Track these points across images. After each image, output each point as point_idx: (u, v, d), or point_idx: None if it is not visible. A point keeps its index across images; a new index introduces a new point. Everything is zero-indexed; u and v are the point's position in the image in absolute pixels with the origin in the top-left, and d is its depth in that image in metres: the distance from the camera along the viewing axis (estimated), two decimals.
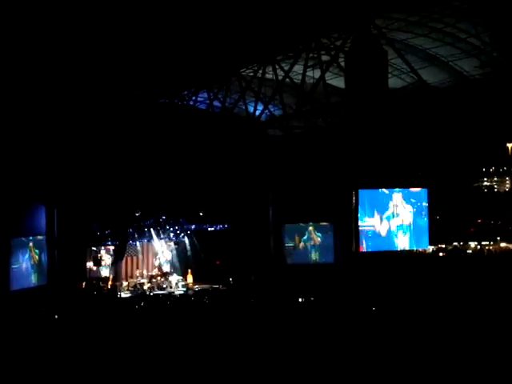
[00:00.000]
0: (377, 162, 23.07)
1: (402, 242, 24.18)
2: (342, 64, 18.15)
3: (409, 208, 24.17)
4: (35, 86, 20.01)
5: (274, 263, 26.07)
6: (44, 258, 23.13)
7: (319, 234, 25.91)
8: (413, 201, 24.23)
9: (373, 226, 23.93)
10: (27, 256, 22.46)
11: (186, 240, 28.86)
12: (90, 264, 26.08)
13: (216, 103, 23.12)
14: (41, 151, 21.85)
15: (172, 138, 23.88)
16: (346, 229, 24.44)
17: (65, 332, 12.96)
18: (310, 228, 25.94)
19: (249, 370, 7.95)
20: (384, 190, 24.05)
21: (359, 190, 23.78)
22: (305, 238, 26.02)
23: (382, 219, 23.99)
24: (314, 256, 25.98)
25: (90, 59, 18.79)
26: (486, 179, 41.07)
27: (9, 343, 10.90)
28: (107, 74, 20.20)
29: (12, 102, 20.13)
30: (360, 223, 23.87)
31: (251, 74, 21.07)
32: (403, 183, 24.35)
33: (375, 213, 23.95)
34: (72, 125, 22.03)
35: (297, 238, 26.11)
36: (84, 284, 24.60)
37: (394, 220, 24.11)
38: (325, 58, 18.68)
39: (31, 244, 22.69)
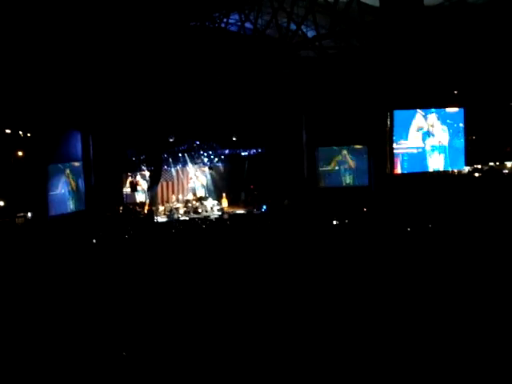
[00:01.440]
0: (412, 82, 22.62)
1: (438, 163, 24.01)
2: None
3: (444, 128, 23.87)
4: (66, 15, 19.93)
5: (307, 187, 26.10)
6: (81, 183, 23.50)
7: (353, 157, 25.76)
8: (449, 121, 23.90)
9: (408, 148, 23.75)
10: (64, 182, 22.82)
11: (220, 165, 29.05)
12: (126, 189, 26.46)
13: (247, 25, 22.72)
14: (76, 78, 21.88)
15: (204, 62, 23.65)
16: (380, 151, 24.26)
17: (104, 255, 13.26)
18: (344, 151, 25.79)
19: (282, 292, 8.04)
20: (419, 110, 23.73)
21: (394, 111, 23.49)
22: (339, 161, 25.90)
23: (416, 140, 23.77)
24: (348, 179, 25.91)
25: None
26: None
27: (48, 264, 11.18)
28: None
29: (45, 29, 20.07)
30: (394, 145, 23.70)
31: None
32: (439, 103, 23.95)
33: (410, 134, 23.71)
34: (106, 50, 21.92)
35: (331, 162, 26.02)
36: (121, 209, 25.00)
37: (430, 141, 23.87)
38: None
39: (68, 170, 23.02)
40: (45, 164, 21.91)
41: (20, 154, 22.16)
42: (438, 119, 23.79)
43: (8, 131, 21.89)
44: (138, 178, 26.98)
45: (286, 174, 26.41)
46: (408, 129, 23.65)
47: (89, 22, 20.61)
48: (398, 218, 16.75)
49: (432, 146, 23.87)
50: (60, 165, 22.75)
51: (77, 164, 23.42)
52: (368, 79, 23.14)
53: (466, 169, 24.66)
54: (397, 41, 19.95)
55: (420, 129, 23.73)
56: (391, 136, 23.51)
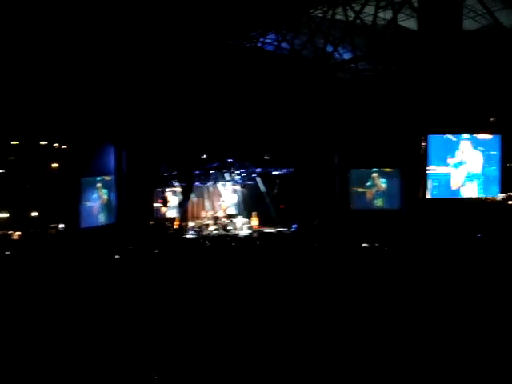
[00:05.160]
0: (447, 107, 22.46)
1: (470, 190, 23.71)
2: (415, 5, 17.62)
3: (478, 155, 23.59)
4: (104, 31, 20.19)
5: (338, 208, 25.96)
6: (113, 197, 23.67)
7: (384, 180, 25.58)
8: (482, 148, 23.62)
9: (439, 174, 23.52)
10: (96, 195, 23.01)
11: (251, 183, 29.07)
12: (156, 204, 26.61)
13: (284, 45, 22.83)
14: (112, 94, 22.12)
15: (240, 80, 23.77)
16: (413, 175, 24.07)
17: (132, 268, 13.30)
18: (375, 174, 25.62)
19: (310, 307, 7.98)
20: (453, 136, 23.50)
21: (428, 136, 23.31)
22: (369, 184, 25.75)
23: (449, 166, 23.54)
24: (379, 202, 25.72)
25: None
26: None
27: (77, 276, 11.25)
28: (175, 15, 20.17)
29: (81, 43, 20.36)
30: (427, 170, 23.50)
31: (321, 15, 20.67)
32: (473, 129, 23.70)
33: (442, 159, 23.50)
34: (142, 67, 22.16)
35: (362, 184, 25.87)
36: (152, 223, 25.12)
37: (462, 167, 23.61)
38: None
39: (100, 184, 23.21)
40: (78, 176, 22.12)
41: (54, 165, 22.42)
42: (472, 146, 23.54)
43: (43, 143, 22.19)
44: (169, 193, 27.12)
45: (316, 194, 26.30)
46: (441, 154, 23.43)
47: (126, 39, 20.86)
48: (431, 243, 16.55)
49: (465, 173, 23.60)
50: (93, 178, 22.95)
51: (109, 178, 23.59)
52: (403, 103, 23.04)
53: (500, 196, 24.33)
54: (434, 65, 19.85)
55: (453, 155, 23.49)
56: (425, 160, 23.31)
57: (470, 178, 23.61)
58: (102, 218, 23.32)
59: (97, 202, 23.07)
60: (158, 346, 6.47)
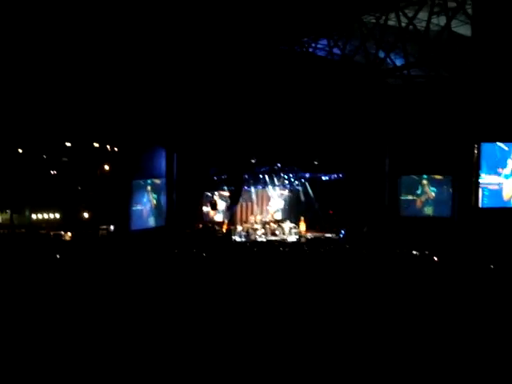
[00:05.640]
0: (501, 114, 22.06)
1: None
2: (470, 11, 17.40)
3: None
4: (162, 39, 20.47)
5: (388, 215, 25.74)
6: (163, 200, 23.93)
7: (433, 189, 25.26)
8: None
9: (490, 183, 23.07)
10: (146, 198, 23.31)
11: (300, 188, 29.05)
12: (205, 208, 26.82)
13: (336, 50, 22.77)
14: (165, 98, 22.38)
15: (291, 85, 23.80)
16: (465, 183, 23.69)
17: (181, 271, 13.42)
18: (424, 181, 25.33)
19: (357, 314, 7.94)
20: (505, 144, 23.04)
21: (481, 144, 22.90)
22: (418, 191, 25.47)
23: (500, 175, 23.09)
24: (428, 210, 25.42)
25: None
26: None
27: (125, 277, 11.41)
28: (228, 19, 20.31)
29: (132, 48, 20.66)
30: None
31: (373, 20, 20.56)
32: None
33: (494, 168, 23.05)
34: (193, 71, 22.37)
35: (412, 191, 25.61)
36: (201, 226, 25.33)
37: None
38: (451, 4, 17.94)
39: (150, 186, 23.49)
40: (129, 179, 22.45)
41: (106, 167, 22.80)
42: None
43: (96, 145, 22.58)
44: (218, 197, 27.31)
45: (366, 200, 26.13)
46: (493, 163, 22.99)
47: (185, 44, 21.08)
48: (484, 253, 16.27)
49: None
50: (143, 180, 23.25)
51: (158, 181, 23.86)
52: (455, 109, 22.72)
53: None
54: (487, 72, 19.54)
55: (504, 165, 23.01)
56: (477, 169, 22.91)
57: None
58: (151, 221, 23.60)
59: (147, 205, 23.36)
60: (202, 349, 6.53)
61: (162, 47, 20.94)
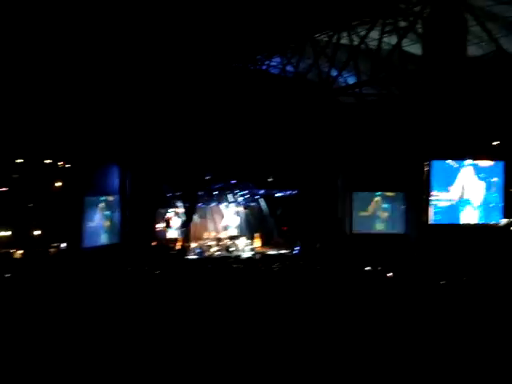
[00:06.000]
0: (451, 132, 22.51)
1: (471, 217, 23.64)
2: (420, 31, 17.73)
3: (480, 182, 23.57)
4: (105, 51, 20.36)
5: (340, 231, 25.95)
6: (116, 217, 23.69)
7: (386, 205, 25.60)
8: (483, 175, 23.58)
9: (440, 200, 23.47)
10: (99, 215, 23.04)
11: (255, 205, 29.08)
12: (159, 225, 26.62)
13: (289, 68, 22.95)
14: (117, 115, 22.23)
15: (244, 103, 23.89)
16: (416, 200, 24.06)
17: (133, 289, 13.28)
18: (377, 198, 25.64)
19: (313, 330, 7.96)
20: (454, 162, 23.49)
21: (432, 161, 23.30)
22: (372, 207, 25.76)
23: (450, 192, 23.52)
24: (380, 226, 25.72)
25: (159, 18, 18.98)
26: None
27: (80, 293, 11.24)
28: (181, 36, 20.31)
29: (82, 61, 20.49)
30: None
31: (326, 39, 20.80)
32: (476, 155, 23.70)
33: (445, 185, 23.48)
34: (147, 89, 22.29)
35: (365, 207, 25.87)
36: (155, 244, 25.12)
37: (464, 194, 23.57)
38: (402, 24, 18.27)
39: (103, 204, 23.24)
40: (82, 196, 22.16)
41: (58, 184, 22.46)
42: (474, 172, 23.51)
43: (47, 161, 22.24)
44: (171, 214, 27.12)
45: (319, 216, 26.31)
46: (443, 180, 23.42)
47: (132, 61, 21.02)
48: (435, 269, 16.51)
49: (466, 199, 23.56)
50: (96, 197, 22.99)
51: (112, 198, 23.62)
52: (407, 127, 23.11)
53: (503, 221, 24.28)
54: (438, 90, 19.92)
55: (454, 181, 23.45)
56: (428, 186, 23.29)
57: (472, 204, 23.58)
58: (104, 238, 23.33)
59: (100, 222, 23.09)
60: (154, 366, 6.46)
61: (113, 62, 20.82)
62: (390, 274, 16.35)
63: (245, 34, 20.23)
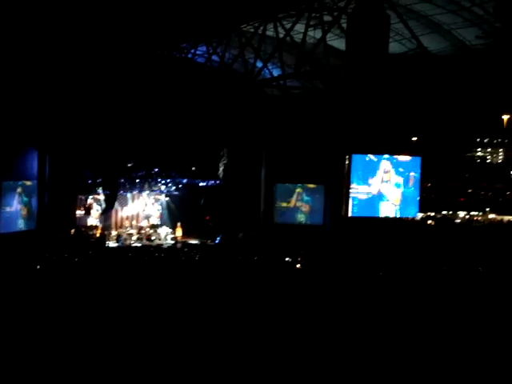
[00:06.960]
0: (372, 127, 22.98)
1: (388, 210, 24.12)
2: (344, 26, 17.98)
3: (398, 176, 24.07)
4: (33, 36, 19.86)
5: (263, 222, 26.16)
6: (34, 202, 23.10)
7: (308, 197, 25.95)
8: (402, 169, 24.09)
9: (360, 193, 23.85)
10: (16, 200, 22.44)
11: (177, 193, 28.91)
12: (79, 212, 26.14)
13: (215, 58, 22.91)
14: (37, 98, 21.68)
15: (168, 90, 23.72)
16: (336, 192, 24.43)
17: (52, 276, 13.05)
18: (299, 190, 25.96)
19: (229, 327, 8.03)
20: (374, 156, 23.92)
21: (352, 155, 23.66)
22: (294, 198, 26.05)
23: (370, 185, 23.94)
24: (301, 217, 26.07)
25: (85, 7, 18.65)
26: (479, 150, 41.21)
27: None
28: (105, 22, 19.98)
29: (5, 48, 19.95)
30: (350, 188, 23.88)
31: (252, 30, 20.84)
32: (396, 150, 24.19)
33: (364, 179, 23.88)
34: (68, 73, 21.83)
35: (287, 198, 26.16)
36: (73, 231, 24.67)
37: (382, 187, 23.98)
38: (327, 18, 18.48)
39: (20, 188, 22.62)
40: None
41: None
42: (392, 166, 23.99)
43: None
44: (92, 200, 26.65)
45: (242, 207, 26.44)
46: (363, 174, 23.80)
47: (55, 44, 20.55)
48: (349, 259, 16.88)
49: (384, 194, 24.00)
50: (14, 182, 22.37)
51: (30, 183, 23.02)
52: (330, 121, 23.45)
53: (419, 215, 25.00)
54: (360, 85, 20.28)
55: (373, 175, 23.86)
56: (348, 179, 23.65)
57: (389, 198, 24.08)
58: (21, 224, 22.75)
59: (17, 207, 22.50)
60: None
61: (33, 48, 20.31)
62: (298, 265, 16.67)
63: (170, 20, 20.04)
